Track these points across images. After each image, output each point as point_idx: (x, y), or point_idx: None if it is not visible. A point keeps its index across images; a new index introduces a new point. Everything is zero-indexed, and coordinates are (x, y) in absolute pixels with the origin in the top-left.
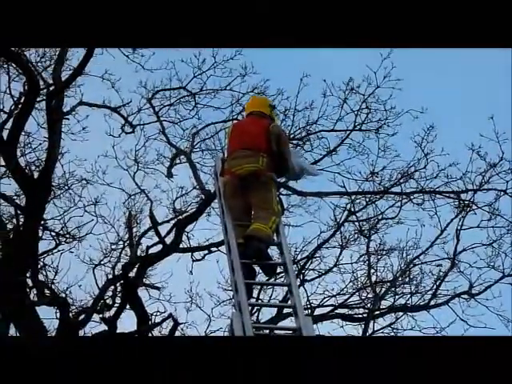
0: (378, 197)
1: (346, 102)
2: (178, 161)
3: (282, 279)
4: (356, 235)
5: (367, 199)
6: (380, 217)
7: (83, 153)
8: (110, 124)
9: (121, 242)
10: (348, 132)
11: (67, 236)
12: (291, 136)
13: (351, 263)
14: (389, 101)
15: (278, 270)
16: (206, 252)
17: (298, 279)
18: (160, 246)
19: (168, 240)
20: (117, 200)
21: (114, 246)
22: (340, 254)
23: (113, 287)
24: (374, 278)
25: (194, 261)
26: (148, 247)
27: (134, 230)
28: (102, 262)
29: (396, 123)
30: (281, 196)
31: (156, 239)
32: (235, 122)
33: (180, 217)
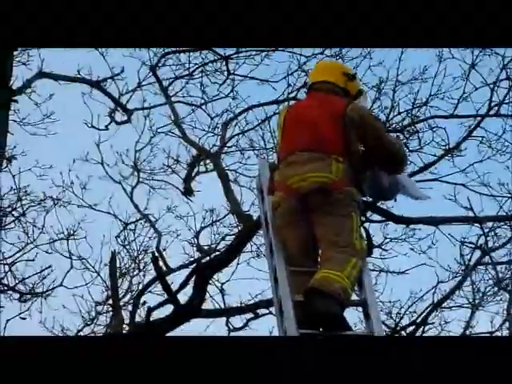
0: None
1: (475, 68)
2: (201, 167)
3: None
4: (493, 288)
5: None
6: None
7: (47, 155)
8: (92, 108)
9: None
10: (478, 119)
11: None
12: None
13: (490, 333)
14: None
15: None
16: (250, 316)
17: None
18: (170, 308)
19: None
20: (105, 230)
21: (101, 308)
22: (471, 317)
23: None
24: None
25: (230, 330)
26: (150, 310)
27: (125, 284)
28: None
29: None
30: (366, 225)
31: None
32: (291, 104)
33: (203, 259)
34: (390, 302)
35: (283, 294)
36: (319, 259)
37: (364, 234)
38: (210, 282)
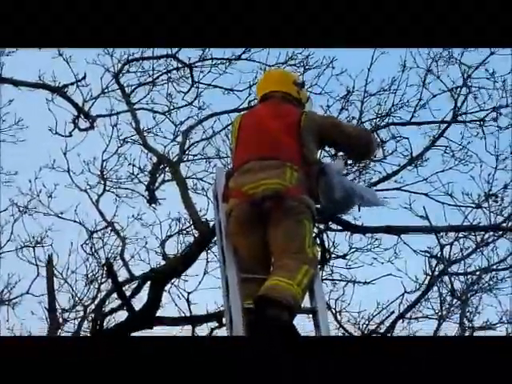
0: (495, 235)
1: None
2: (162, 176)
3: None
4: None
5: (477, 238)
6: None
7: (12, 162)
8: (56, 114)
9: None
10: (443, 126)
11: None
12: None
13: None
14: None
15: None
16: (215, 325)
17: None
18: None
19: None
20: (72, 238)
21: (67, 315)
22: (438, 328)
23: None
24: None
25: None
26: (105, 315)
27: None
28: None
29: None
30: (320, 233)
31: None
32: (244, 112)
33: (155, 266)
34: (358, 312)
35: (233, 301)
36: (272, 266)
37: (316, 242)
38: (176, 289)
